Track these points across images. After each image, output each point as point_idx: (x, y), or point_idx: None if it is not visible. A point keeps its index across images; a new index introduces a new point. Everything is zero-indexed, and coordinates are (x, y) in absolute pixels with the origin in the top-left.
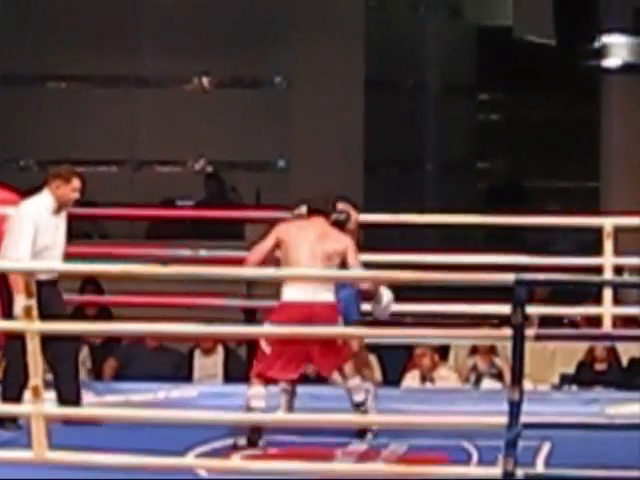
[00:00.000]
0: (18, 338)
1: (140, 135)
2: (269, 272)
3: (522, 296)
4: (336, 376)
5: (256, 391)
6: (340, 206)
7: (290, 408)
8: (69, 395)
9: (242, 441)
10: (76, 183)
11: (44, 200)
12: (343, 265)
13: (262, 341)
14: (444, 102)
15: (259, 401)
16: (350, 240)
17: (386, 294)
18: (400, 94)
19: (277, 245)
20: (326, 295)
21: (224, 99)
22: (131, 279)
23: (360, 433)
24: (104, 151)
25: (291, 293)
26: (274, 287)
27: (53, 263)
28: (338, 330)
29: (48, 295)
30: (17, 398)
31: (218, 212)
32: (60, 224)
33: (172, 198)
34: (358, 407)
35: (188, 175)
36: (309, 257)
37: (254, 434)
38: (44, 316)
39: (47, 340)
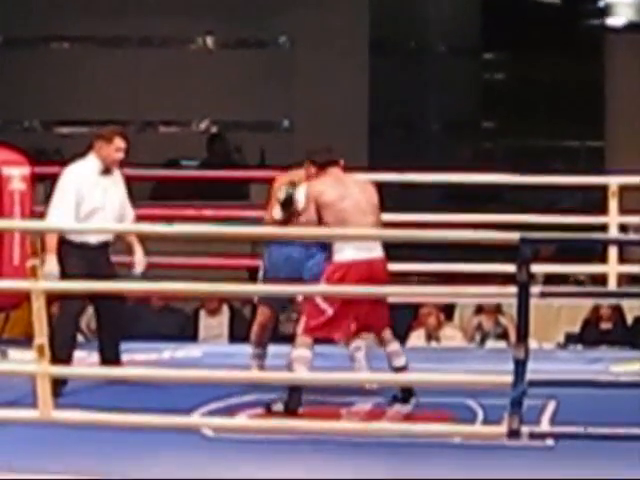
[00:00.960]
0: (68, 298)
1: (144, 96)
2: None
3: (527, 254)
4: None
5: (302, 353)
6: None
7: (262, 367)
8: (111, 356)
9: (278, 406)
10: (119, 143)
11: (88, 163)
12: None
13: (319, 299)
14: (449, 62)
15: (304, 366)
16: None
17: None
18: (405, 54)
19: (319, 208)
20: (380, 250)
21: (228, 59)
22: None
23: (404, 396)
24: (108, 112)
25: (350, 253)
26: None
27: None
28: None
29: (96, 259)
30: (67, 360)
31: (223, 172)
32: (112, 186)
33: (176, 159)
34: (398, 372)
35: (192, 136)
36: (357, 212)
37: (293, 399)
38: (93, 279)
39: (95, 302)
